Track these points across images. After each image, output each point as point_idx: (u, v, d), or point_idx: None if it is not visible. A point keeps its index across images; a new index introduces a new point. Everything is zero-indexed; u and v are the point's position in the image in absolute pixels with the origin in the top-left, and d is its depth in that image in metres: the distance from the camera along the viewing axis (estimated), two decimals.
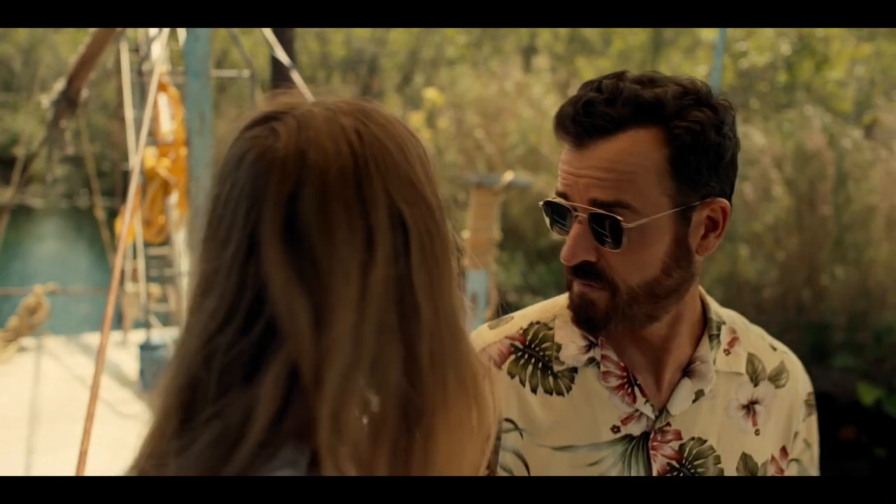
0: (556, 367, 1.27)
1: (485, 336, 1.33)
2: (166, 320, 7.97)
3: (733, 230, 10.89)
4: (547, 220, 1.22)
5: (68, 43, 22.04)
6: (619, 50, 18.16)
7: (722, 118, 1.14)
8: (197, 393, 0.81)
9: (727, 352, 1.29)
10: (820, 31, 13.75)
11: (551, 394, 1.26)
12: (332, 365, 0.77)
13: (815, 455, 1.36)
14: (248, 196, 0.79)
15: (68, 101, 6.85)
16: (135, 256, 7.47)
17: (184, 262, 6.55)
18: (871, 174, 10.87)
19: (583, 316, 1.21)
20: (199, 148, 4.70)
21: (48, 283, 7.93)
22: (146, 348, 6.17)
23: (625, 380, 1.25)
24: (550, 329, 1.30)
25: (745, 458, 1.27)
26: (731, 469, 1.26)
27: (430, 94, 15.88)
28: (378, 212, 0.78)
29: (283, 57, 5.71)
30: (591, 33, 19.11)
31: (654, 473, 1.24)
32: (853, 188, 10.90)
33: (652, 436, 1.24)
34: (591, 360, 1.26)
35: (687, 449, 1.25)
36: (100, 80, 7.58)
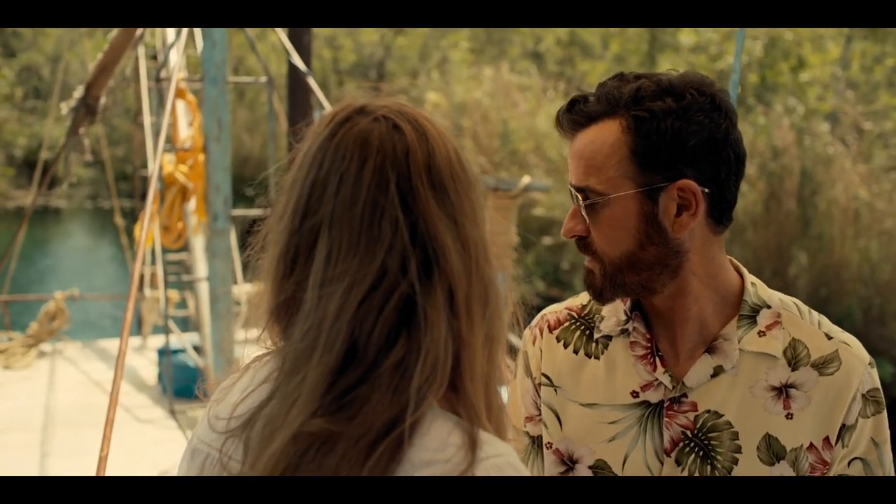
0: (596, 335, 1.44)
1: (553, 307, 1.54)
2: (185, 325, 8.00)
3: None
4: None
5: (93, 51, 22.31)
6: (615, 53, 18.40)
7: (685, 105, 1.25)
8: (355, 351, 0.91)
9: (762, 333, 1.34)
10: (789, 34, 14.19)
11: (589, 357, 1.44)
12: (477, 298, 0.96)
13: (885, 455, 1.33)
14: (385, 172, 0.95)
15: (87, 108, 6.90)
16: (153, 262, 7.50)
17: (201, 267, 6.57)
18: (832, 170, 11.46)
19: (588, 285, 1.37)
20: (217, 153, 4.71)
21: (69, 289, 7.97)
22: (164, 353, 6.19)
23: (649, 350, 1.38)
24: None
25: (769, 439, 1.30)
26: (750, 447, 1.30)
27: (432, 96, 16.16)
28: (465, 177, 0.99)
29: (299, 63, 5.73)
30: (590, 38, 19.16)
31: (667, 441, 1.34)
32: (817, 183, 11.50)
33: (667, 404, 1.35)
34: (624, 331, 1.41)
35: (701, 420, 1.33)
36: (119, 87, 7.63)
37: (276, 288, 0.98)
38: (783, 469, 1.28)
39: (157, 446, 5.03)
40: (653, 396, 1.35)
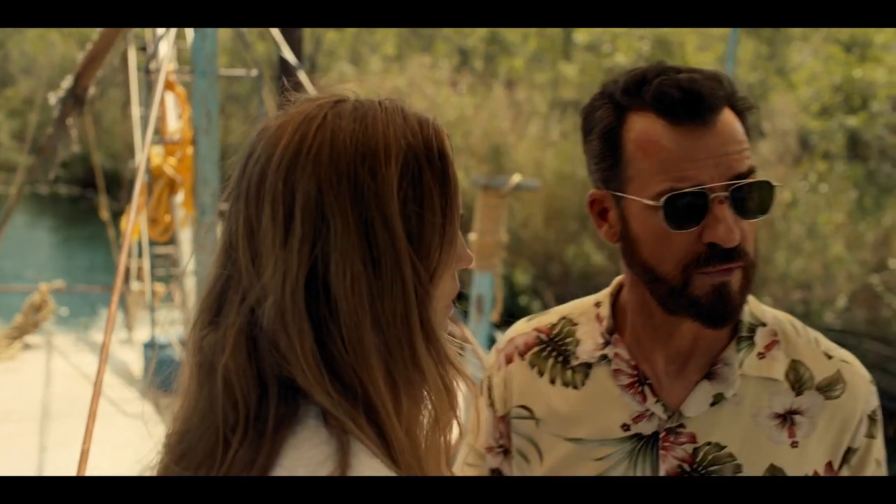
0: (573, 362, 1.31)
1: (518, 326, 1.41)
2: (171, 319, 7.96)
3: None
4: (666, 223, 1.15)
5: (36, 41, 22.32)
6: (532, 50, 18.78)
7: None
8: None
9: (762, 355, 1.24)
10: (673, 34, 15.18)
11: (567, 386, 1.30)
12: (267, 303, 0.87)
13: (883, 472, 1.28)
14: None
15: (75, 99, 6.85)
16: (140, 255, 7.46)
17: (189, 260, 6.54)
18: None
19: (719, 308, 1.17)
20: (206, 147, 4.68)
21: (54, 281, 7.92)
22: (151, 347, 6.16)
23: (635, 378, 1.26)
24: (575, 325, 1.34)
25: (774, 471, 1.21)
26: None
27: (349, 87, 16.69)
28: (297, 199, 0.87)
29: (290, 57, 5.71)
30: (510, 34, 19.48)
31: (662, 474, 1.23)
32: None
33: (663, 436, 1.23)
34: (604, 358, 1.29)
35: (701, 453, 1.22)
36: (108, 78, 7.58)
37: None
38: None
39: (141, 441, 4.99)
40: (646, 428, 1.24)
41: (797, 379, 1.24)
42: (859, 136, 13.81)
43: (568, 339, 1.34)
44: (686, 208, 1.14)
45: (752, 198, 1.15)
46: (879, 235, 11.81)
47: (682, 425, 1.23)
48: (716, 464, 1.22)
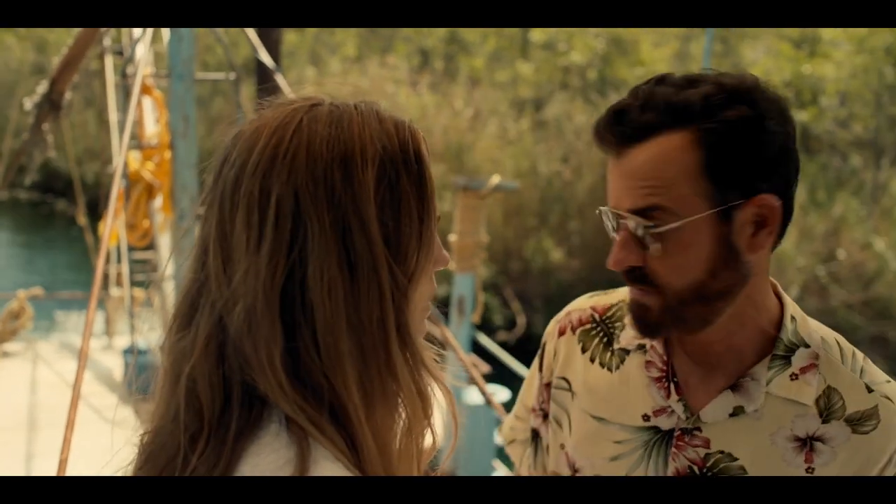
0: (615, 346, 1.36)
1: (579, 302, 1.46)
2: (151, 325, 7.90)
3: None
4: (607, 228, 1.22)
5: None
6: (491, 50, 19.04)
7: (762, 112, 1.12)
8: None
9: (794, 377, 1.21)
10: (627, 33, 15.59)
11: (603, 367, 1.35)
12: (236, 309, 0.87)
13: None
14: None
15: (51, 104, 6.79)
16: (119, 261, 7.40)
17: (169, 266, 6.49)
18: None
19: (639, 321, 1.22)
20: (184, 151, 4.66)
21: (32, 288, 7.84)
22: (130, 353, 6.12)
23: (664, 373, 1.28)
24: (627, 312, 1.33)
25: None
26: None
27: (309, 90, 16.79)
28: (273, 204, 0.86)
29: (267, 59, 5.69)
30: (469, 34, 19.66)
31: (671, 471, 1.25)
32: None
33: (678, 434, 1.25)
34: (641, 347, 1.32)
35: (712, 460, 1.23)
36: (83, 83, 7.52)
37: None
38: None
39: (121, 448, 4.95)
40: (665, 423, 1.26)
41: (828, 406, 1.21)
42: (810, 130, 14.20)
43: (617, 324, 1.37)
44: (608, 223, 1.21)
45: (648, 234, 1.15)
46: (829, 227, 12.25)
47: (698, 429, 1.23)
48: (725, 473, 1.22)
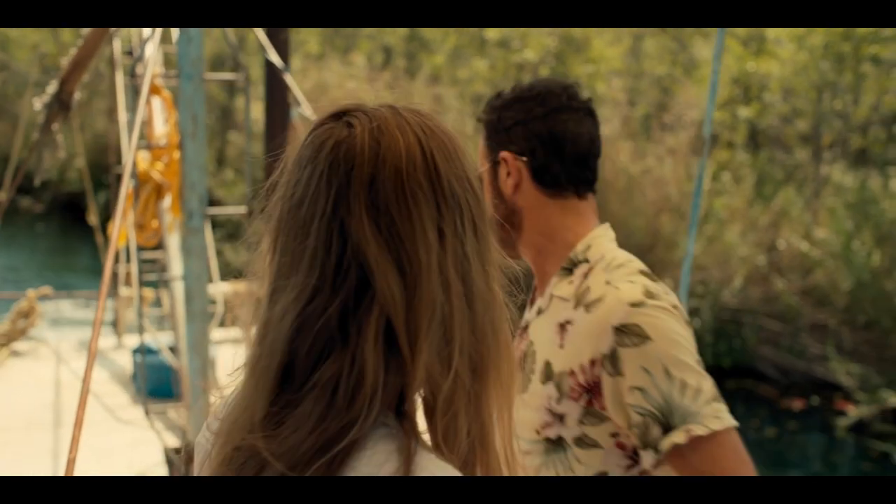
0: None
1: None
2: (160, 324, 7.93)
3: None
4: None
5: None
6: (451, 47, 19.32)
7: (506, 101, 1.73)
8: (294, 364, 0.90)
9: (571, 283, 1.66)
10: (580, 32, 16.02)
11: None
12: (422, 322, 0.88)
13: (661, 382, 1.47)
14: (327, 180, 0.91)
15: (60, 104, 6.81)
16: (128, 260, 7.41)
17: (176, 265, 6.52)
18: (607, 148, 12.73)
19: None
20: (193, 151, 4.67)
21: (41, 288, 7.87)
22: (139, 352, 6.13)
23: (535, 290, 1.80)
24: None
25: (547, 364, 1.62)
26: (539, 369, 1.63)
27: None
28: (444, 193, 0.91)
29: (276, 59, 5.70)
30: (430, 32, 19.77)
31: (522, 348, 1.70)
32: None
33: (520, 331, 1.75)
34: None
35: (526, 345, 1.70)
36: (93, 83, 7.54)
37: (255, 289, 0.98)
38: (550, 388, 1.58)
39: (131, 448, 4.98)
40: (526, 321, 1.76)
41: (578, 298, 1.61)
42: (756, 125, 14.74)
43: None
44: None
45: None
46: (772, 218, 12.64)
47: (527, 326, 1.74)
48: (531, 357, 1.67)
